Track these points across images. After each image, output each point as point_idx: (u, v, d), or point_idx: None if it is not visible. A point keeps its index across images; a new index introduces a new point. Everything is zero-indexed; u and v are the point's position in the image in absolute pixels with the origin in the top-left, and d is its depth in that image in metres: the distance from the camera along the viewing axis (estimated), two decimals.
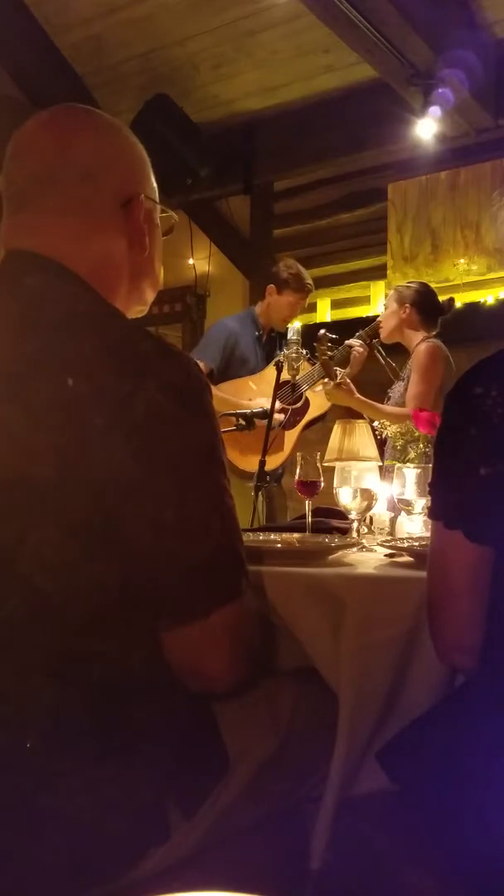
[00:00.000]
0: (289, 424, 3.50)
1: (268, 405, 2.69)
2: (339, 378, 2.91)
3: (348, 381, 2.94)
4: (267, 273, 3.70)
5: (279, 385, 3.19)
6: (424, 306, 3.17)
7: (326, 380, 2.95)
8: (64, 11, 4.35)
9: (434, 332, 3.17)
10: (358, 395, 2.94)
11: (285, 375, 2.70)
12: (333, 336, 3.00)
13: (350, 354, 3.21)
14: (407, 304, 3.15)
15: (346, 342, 3.22)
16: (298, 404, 3.51)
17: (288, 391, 3.41)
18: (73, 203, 1.03)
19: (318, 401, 3.49)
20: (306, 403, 3.54)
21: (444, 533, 0.98)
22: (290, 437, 3.50)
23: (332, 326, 3.47)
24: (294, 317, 3.52)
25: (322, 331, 2.98)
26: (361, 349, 3.21)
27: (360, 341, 3.23)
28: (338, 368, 3.00)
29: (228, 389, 3.42)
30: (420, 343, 3.11)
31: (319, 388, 3.02)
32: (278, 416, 3.16)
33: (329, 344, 2.98)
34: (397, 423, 2.28)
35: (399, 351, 3.27)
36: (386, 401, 3.17)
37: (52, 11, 4.39)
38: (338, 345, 3.12)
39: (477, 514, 0.95)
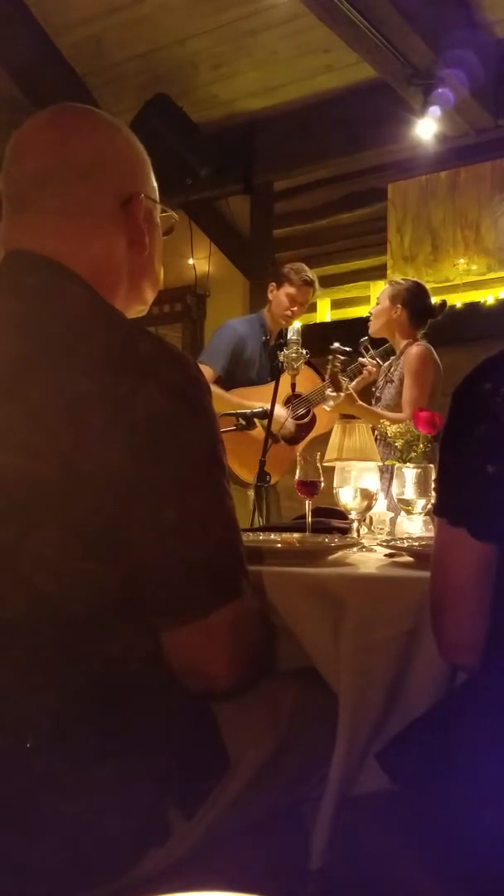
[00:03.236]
0: (295, 440, 3.53)
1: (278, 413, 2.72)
2: (344, 390, 2.98)
3: (351, 390, 3.03)
4: (269, 274, 3.72)
5: (287, 400, 3.23)
6: (416, 308, 3.21)
7: (332, 391, 3.01)
8: (64, 11, 4.35)
9: (422, 332, 3.22)
10: (360, 403, 3.02)
11: (287, 380, 2.70)
12: (347, 349, 3.09)
13: (359, 371, 3.30)
14: (399, 305, 3.19)
15: (360, 360, 3.30)
16: (305, 420, 3.54)
17: (296, 406, 3.45)
18: (72, 203, 1.03)
19: (324, 419, 3.53)
20: (313, 419, 3.58)
21: (449, 530, 0.98)
22: (295, 452, 3.52)
23: (333, 327, 3.49)
24: (297, 310, 3.53)
25: (336, 344, 3.04)
26: (373, 369, 3.29)
27: (373, 361, 3.30)
28: (344, 379, 3.07)
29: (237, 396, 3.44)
30: (411, 346, 3.16)
31: (330, 402, 3.08)
32: (281, 414, 3.19)
33: (341, 357, 3.05)
34: None
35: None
36: (375, 402, 3.24)
37: (52, 11, 4.39)
38: (349, 358, 3.17)
39: (482, 512, 0.95)
